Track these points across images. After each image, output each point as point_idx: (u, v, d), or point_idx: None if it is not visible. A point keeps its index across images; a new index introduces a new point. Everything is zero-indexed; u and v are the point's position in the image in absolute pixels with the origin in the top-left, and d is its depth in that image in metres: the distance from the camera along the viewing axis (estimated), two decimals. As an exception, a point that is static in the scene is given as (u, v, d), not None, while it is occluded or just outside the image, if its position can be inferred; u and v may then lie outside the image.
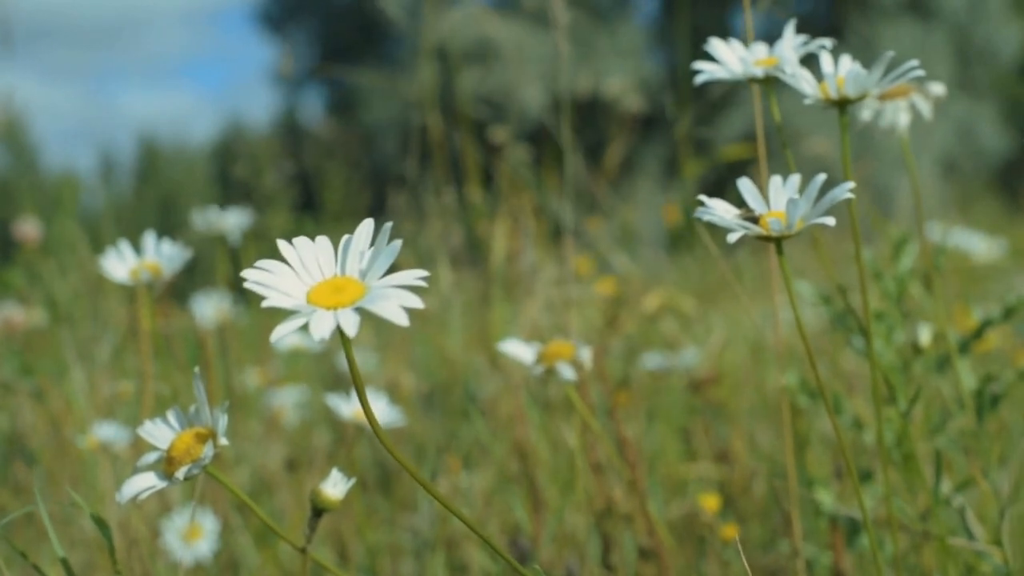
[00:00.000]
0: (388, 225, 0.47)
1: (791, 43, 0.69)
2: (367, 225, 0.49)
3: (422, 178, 2.13)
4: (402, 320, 0.43)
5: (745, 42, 0.71)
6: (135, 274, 0.92)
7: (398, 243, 0.47)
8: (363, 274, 0.48)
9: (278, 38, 10.28)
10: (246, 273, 0.47)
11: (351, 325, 0.44)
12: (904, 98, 0.80)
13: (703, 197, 0.58)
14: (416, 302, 0.44)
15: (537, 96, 7.11)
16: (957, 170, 7.70)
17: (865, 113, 0.80)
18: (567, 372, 0.84)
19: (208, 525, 1.01)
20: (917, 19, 8.11)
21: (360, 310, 0.45)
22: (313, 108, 10.26)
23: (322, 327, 0.44)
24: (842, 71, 0.65)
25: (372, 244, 0.49)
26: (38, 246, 1.96)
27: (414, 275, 0.46)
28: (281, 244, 0.49)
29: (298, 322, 0.44)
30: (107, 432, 1.12)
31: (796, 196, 0.56)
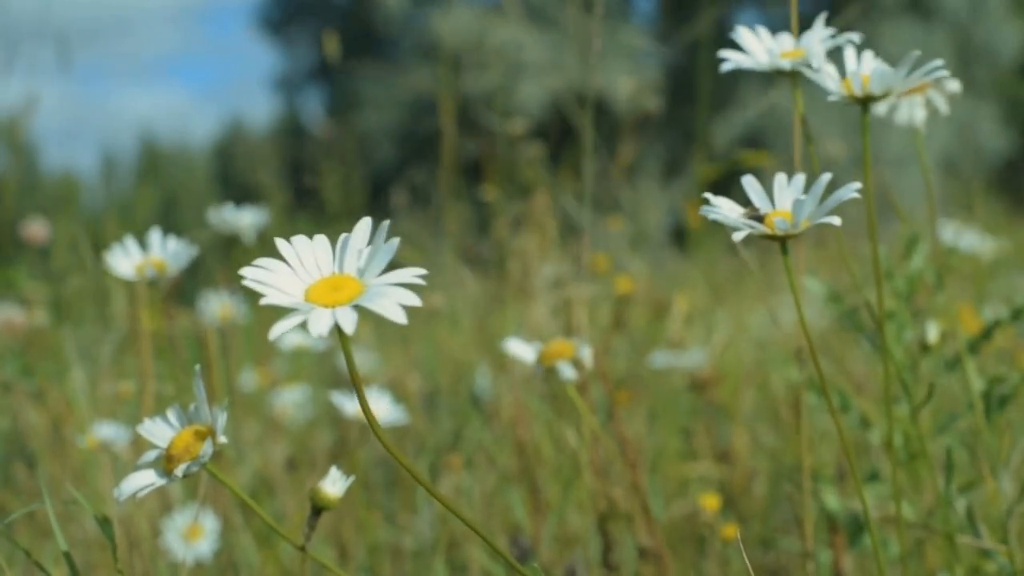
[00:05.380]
0: (386, 223, 0.47)
1: (820, 36, 0.66)
2: (365, 223, 0.49)
3: (430, 178, 2.12)
4: (400, 318, 0.43)
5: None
6: (140, 270, 0.90)
7: (396, 241, 0.46)
8: (361, 272, 0.48)
9: (278, 40, 10.28)
10: (244, 271, 0.47)
11: (349, 323, 0.44)
12: (920, 94, 0.79)
13: (708, 195, 0.57)
14: (415, 300, 0.44)
15: (536, 94, 7.10)
16: (957, 170, 7.69)
17: (881, 107, 0.80)
18: (567, 371, 0.84)
19: (209, 524, 1.00)
20: (918, 19, 8.11)
21: (358, 308, 0.45)
22: (313, 109, 10.26)
23: (320, 325, 0.44)
24: (865, 69, 0.64)
25: (370, 242, 0.48)
26: (41, 246, 1.96)
27: (412, 273, 0.45)
28: (279, 242, 0.49)
29: (296, 320, 0.44)
30: (107, 432, 1.12)
31: (801, 195, 0.56)
